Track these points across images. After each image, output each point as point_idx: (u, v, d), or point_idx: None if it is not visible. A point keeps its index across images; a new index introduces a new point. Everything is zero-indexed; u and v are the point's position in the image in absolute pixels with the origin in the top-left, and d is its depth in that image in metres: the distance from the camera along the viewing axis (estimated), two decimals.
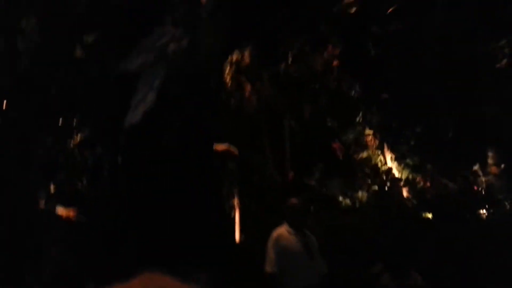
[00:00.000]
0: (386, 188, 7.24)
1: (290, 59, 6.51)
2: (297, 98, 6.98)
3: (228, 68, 6.47)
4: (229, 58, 6.32)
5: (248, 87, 6.73)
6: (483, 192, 6.80)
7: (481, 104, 6.28)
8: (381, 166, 7.60)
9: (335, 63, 6.51)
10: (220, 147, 5.89)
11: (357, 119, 7.63)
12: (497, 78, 6.67)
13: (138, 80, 4.30)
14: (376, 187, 7.20)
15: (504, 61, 6.61)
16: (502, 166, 6.72)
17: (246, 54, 6.23)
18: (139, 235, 5.10)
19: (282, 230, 4.35)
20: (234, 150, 5.98)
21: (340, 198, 7.40)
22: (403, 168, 7.51)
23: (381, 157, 7.68)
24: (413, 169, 7.42)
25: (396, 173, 7.52)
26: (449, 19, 5.93)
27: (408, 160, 7.51)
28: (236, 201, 7.66)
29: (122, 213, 5.53)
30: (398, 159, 7.58)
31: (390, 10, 6.12)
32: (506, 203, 6.60)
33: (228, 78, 6.61)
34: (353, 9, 5.85)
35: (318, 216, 7.50)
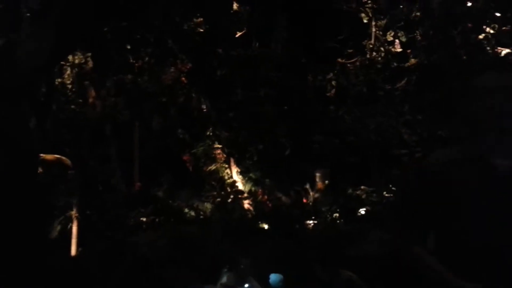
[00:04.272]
0: (230, 200, 7.62)
1: (136, 70, 6.42)
2: (145, 108, 6.92)
3: (69, 71, 6.09)
4: (71, 59, 5.95)
5: (92, 93, 6.42)
6: (311, 205, 7.65)
7: (311, 132, 7.09)
8: (227, 179, 8.00)
9: (183, 78, 6.65)
10: (49, 156, 5.47)
11: (207, 133, 7.90)
12: (326, 105, 7.63)
13: None
14: (220, 199, 7.53)
15: (333, 91, 7.61)
16: (326, 182, 7.68)
17: (89, 58, 5.95)
18: None
19: None
20: (66, 159, 5.62)
21: (186, 210, 7.54)
22: (247, 181, 8.03)
23: (228, 171, 8.09)
24: (255, 182, 7.98)
25: (240, 185, 7.99)
26: (285, 53, 6.60)
27: (251, 174, 8.06)
28: (74, 213, 7.21)
29: None
30: (242, 173, 8.07)
31: (238, 34, 6.54)
32: (328, 215, 7.54)
33: (69, 81, 6.21)
34: (202, 29, 6.08)
35: (163, 227, 7.52)
